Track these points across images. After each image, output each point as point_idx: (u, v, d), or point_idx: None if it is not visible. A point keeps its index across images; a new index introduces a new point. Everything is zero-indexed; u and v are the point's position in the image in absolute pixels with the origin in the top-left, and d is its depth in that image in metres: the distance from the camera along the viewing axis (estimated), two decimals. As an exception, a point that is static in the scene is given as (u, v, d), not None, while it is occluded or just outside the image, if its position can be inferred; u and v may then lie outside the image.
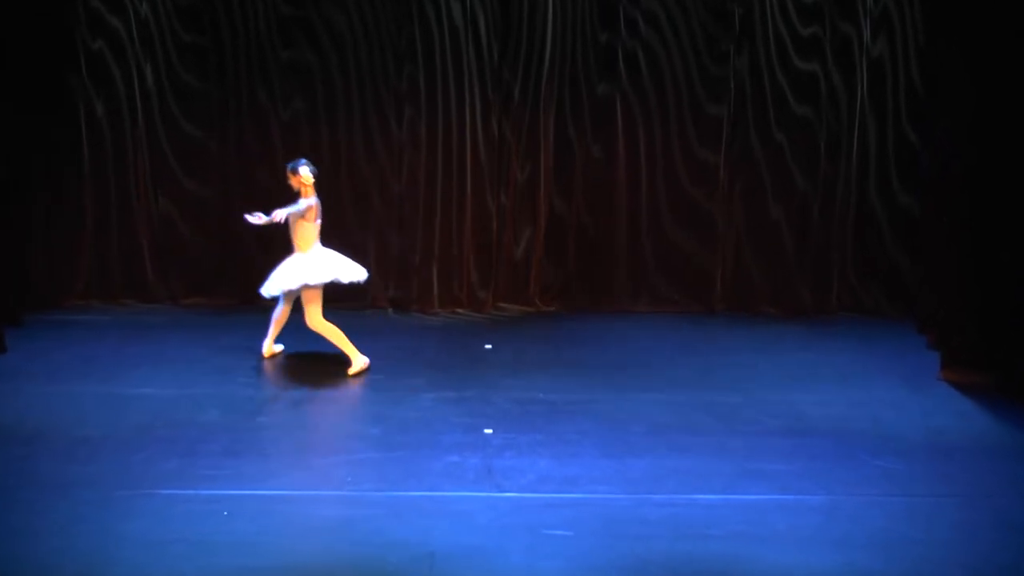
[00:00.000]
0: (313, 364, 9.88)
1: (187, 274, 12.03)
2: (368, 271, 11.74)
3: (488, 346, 10.72)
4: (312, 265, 9.64)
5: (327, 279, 9.66)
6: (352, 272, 9.81)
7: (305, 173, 9.69)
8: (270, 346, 10.08)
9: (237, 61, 11.79)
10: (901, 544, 6.70)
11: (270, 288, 9.74)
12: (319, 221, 9.72)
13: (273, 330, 10.04)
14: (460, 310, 11.98)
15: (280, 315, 9.99)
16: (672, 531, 6.79)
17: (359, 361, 9.74)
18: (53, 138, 11.68)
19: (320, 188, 11.73)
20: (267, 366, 9.95)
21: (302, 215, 9.58)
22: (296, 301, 9.92)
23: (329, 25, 11.74)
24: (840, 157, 11.92)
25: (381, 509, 7.01)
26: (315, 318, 9.73)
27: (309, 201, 9.62)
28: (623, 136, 11.94)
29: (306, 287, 9.62)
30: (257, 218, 9.55)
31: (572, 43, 11.82)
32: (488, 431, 8.38)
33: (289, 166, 9.80)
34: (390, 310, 12.00)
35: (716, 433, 8.42)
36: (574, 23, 11.80)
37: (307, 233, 9.67)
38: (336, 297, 11.87)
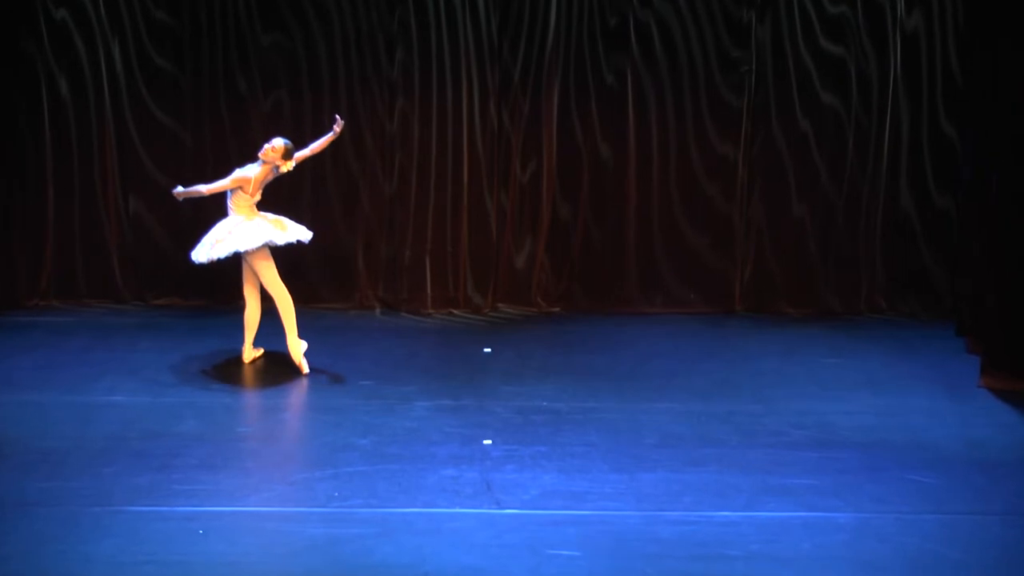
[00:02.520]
0: (297, 370, 9.90)
1: (158, 272, 12.06)
2: (357, 275, 11.81)
3: (487, 350, 10.75)
4: (245, 229, 9.67)
5: (261, 243, 9.69)
6: (290, 233, 9.83)
7: (275, 145, 9.78)
8: (249, 350, 10.12)
9: (214, 45, 11.82)
10: (936, 566, 6.72)
11: (199, 254, 9.76)
12: (258, 196, 9.78)
13: (248, 333, 10.07)
14: (456, 311, 12.01)
15: (251, 315, 10.01)
16: (687, 551, 6.81)
17: (295, 350, 9.87)
18: (11, 116, 11.70)
19: (305, 185, 11.72)
20: (247, 372, 9.98)
21: (235, 185, 9.70)
22: (264, 295, 9.94)
23: (315, 4, 11.76)
24: (870, 145, 11.96)
25: (371, 527, 7.03)
26: (272, 280, 9.84)
27: (237, 173, 9.71)
28: (633, 115, 11.97)
29: (243, 253, 9.70)
30: (180, 193, 9.72)
31: (579, 22, 11.85)
32: (487, 442, 8.41)
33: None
34: (378, 311, 12.03)
35: (735, 445, 8.45)
36: (580, 24, 11.85)
37: (243, 202, 9.74)
38: (321, 297, 11.97)
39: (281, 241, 9.76)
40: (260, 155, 9.76)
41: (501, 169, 12.03)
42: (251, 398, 9.60)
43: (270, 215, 9.88)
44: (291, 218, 10.02)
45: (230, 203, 9.77)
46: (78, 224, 12.01)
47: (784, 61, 11.88)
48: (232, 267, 10.13)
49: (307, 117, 11.76)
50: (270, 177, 9.81)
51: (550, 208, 12.08)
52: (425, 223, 11.98)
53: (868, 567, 6.68)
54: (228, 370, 9.98)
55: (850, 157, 11.97)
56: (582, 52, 11.88)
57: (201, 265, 9.82)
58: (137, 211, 12.01)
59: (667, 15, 11.84)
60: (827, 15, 11.82)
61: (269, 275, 9.84)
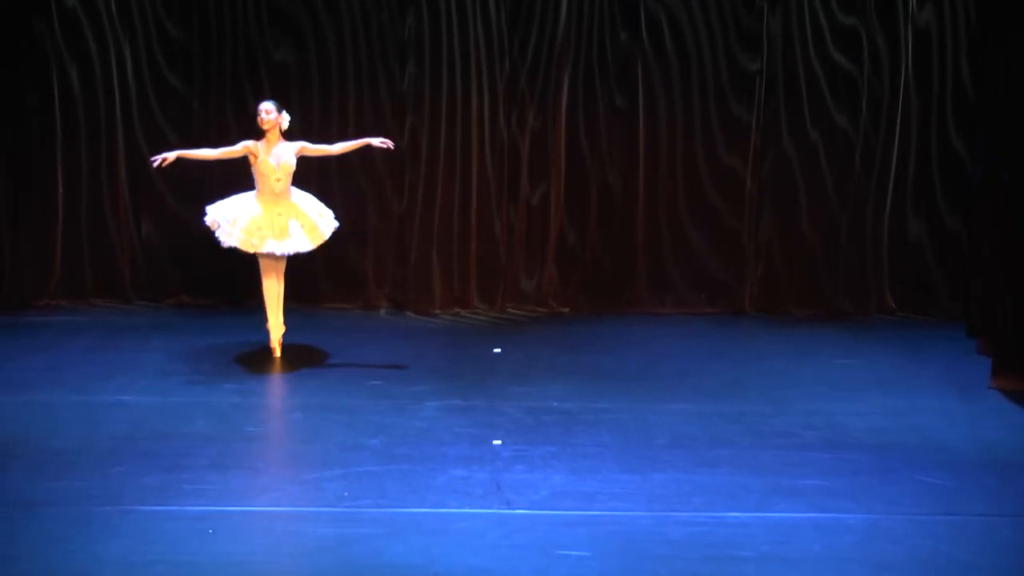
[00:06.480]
0: (307, 370, 9.92)
1: (168, 271, 12.08)
2: (366, 288, 11.82)
3: (497, 350, 10.76)
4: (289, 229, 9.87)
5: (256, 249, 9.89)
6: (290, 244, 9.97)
7: (267, 107, 9.96)
8: (278, 327, 10.16)
9: (223, 59, 11.84)
10: (947, 567, 6.71)
11: (229, 238, 9.88)
12: (265, 176, 9.91)
13: (273, 310, 10.14)
14: (464, 312, 12.04)
15: (271, 290, 10.06)
16: (698, 552, 6.81)
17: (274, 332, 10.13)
18: (23, 115, 11.74)
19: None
20: (256, 371, 10.00)
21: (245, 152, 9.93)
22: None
23: (331, 14, 11.78)
24: (877, 158, 12.01)
25: (380, 527, 7.04)
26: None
27: (242, 143, 9.96)
28: (643, 128, 12.02)
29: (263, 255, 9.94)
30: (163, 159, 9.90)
31: (589, 26, 11.88)
32: (497, 443, 8.41)
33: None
34: (383, 311, 12.06)
35: (746, 446, 8.44)
36: (591, 20, 11.86)
37: (255, 179, 9.92)
38: (329, 297, 12.00)
39: (279, 252, 9.90)
40: (260, 124, 9.90)
41: (511, 183, 12.07)
42: (260, 398, 9.61)
43: (301, 206, 10.00)
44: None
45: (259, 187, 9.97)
46: (87, 223, 12.03)
47: (794, 68, 11.90)
48: (243, 267, 10.15)
49: (316, 135, 11.72)
50: (285, 150, 9.84)
51: (560, 214, 12.10)
52: (432, 232, 12.01)
53: (879, 568, 6.67)
54: (238, 369, 10.00)
55: (858, 170, 12.00)
56: (591, 57, 11.92)
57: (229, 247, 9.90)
58: (146, 211, 12.04)
59: (676, 37, 11.89)
60: (839, 26, 11.84)
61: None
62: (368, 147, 10.35)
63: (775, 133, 12.00)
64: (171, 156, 9.90)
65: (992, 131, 10.69)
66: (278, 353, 10.12)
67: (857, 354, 10.79)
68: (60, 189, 11.97)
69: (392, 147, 10.37)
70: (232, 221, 9.81)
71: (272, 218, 9.84)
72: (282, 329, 10.17)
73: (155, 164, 9.94)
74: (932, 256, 12.07)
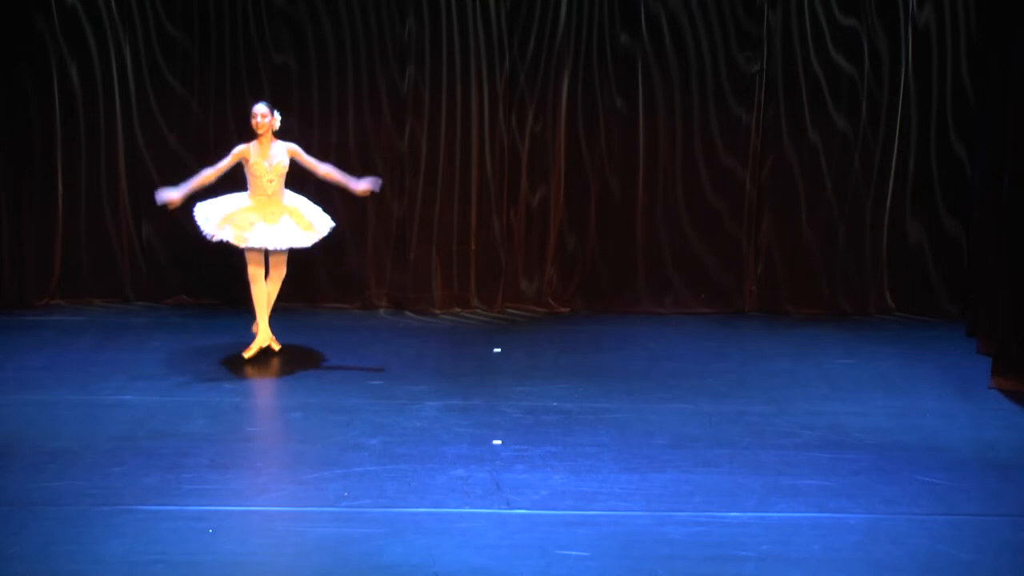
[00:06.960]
0: (307, 370, 9.92)
1: (168, 272, 12.08)
2: (366, 288, 11.80)
3: (497, 350, 10.76)
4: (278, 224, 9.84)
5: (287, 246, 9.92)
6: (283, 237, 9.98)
7: (261, 110, 9.95)
8: (266, 327, 10.13)
9: (222, 61, 11.85)
10: (948, 567, 6.72)
11: (215, 230, 9.87)
12: (258, 176, 9.90)
13: (262, 311, 10.10)
14: (464, 311, 12.04)
15: (259, 292, 10.04)
16: (698, 551, 6.82)
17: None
18: (24, 114, 11.74)
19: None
20: (256, 371, 10.00)
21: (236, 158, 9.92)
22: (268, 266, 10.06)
23: (331, 15, 11.78)
24: (876, 159, 12.00)
25: (380, 527, 7.04)
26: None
27: (234, 152, 9.92)
28: (643, 129, 12.02)
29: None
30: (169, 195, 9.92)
31: (589, 25, 11.88)
32: (497, 443, 8.42)
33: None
34: (382, 310, 12.07)
35: (746, 446, 8.45)
36: (591, 21, 11.87)
37: (248, 180, 9.93)
38: (329, 298, 12.00)
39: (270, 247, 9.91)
40: (255, 128, 9.87)
41: (511, 184, 12.08)
42: (260, 398, 9.62)
43: (297, 205, 10.01)
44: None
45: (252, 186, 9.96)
46: (87, 224, 12.03)
47: (794, 68, 11.91)
48: (242, 266, 10.15)
49: (315, 137, 11.73)
50: (278, 151, 9.85)
51: (559, 215, 12.12)
52: (432, 233, 12.02)
53: (879, 568, 6.67)
54: (237, 369, 10.00)
55: (857, 170, 12.01)
56: (591, 58, 11.93)
57: (214, 238, 9.89)
58: (146, 211, 12.02)
59: (675, 41, 11.89)
60: (839, 26, 11.84)
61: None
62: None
63: (775, 134, 12.01)
64: (177, 198, 9.86)
65: (992, 132, 10.69)
66: (248, 355, 10.07)
67: (857, 354, 10.79)
68: (60, 190, 11.97)
69: (377, 190, 10.32)
70: (223, 216, 9.81)
71: (264, 214, 9.83)
72: (267, 333, 10.15)
73: (160, 202, 9.92)
74: (932, 256, 12.08)
